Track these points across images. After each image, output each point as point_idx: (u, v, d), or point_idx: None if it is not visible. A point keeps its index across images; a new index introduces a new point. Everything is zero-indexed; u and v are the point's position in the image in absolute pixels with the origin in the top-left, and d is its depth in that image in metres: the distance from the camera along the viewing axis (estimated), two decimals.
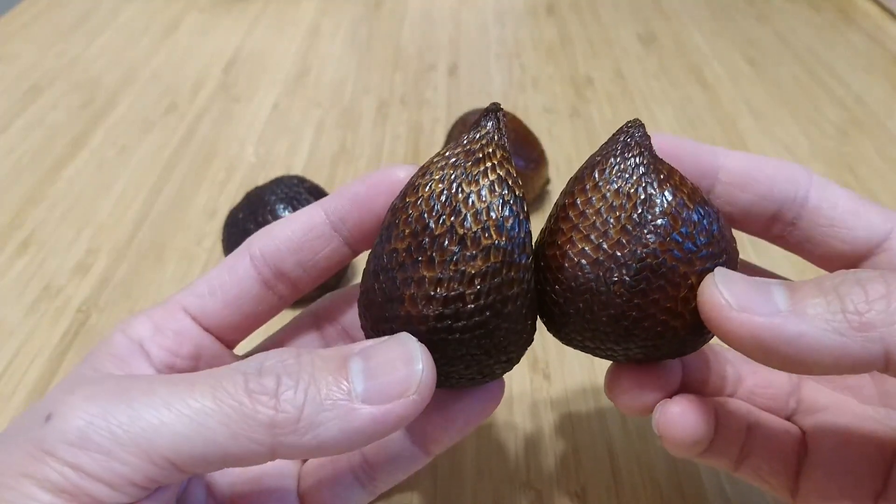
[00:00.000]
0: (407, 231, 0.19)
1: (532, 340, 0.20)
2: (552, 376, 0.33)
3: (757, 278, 0.19)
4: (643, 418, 0.31)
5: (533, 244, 0.20)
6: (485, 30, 0.65)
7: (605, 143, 0.21)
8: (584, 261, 0.19)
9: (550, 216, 0.21)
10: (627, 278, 0.19)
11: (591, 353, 0.22)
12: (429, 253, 0.18)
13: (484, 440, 0.30)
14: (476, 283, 0.18)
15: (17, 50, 0.62)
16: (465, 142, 0.19)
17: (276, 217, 0.34)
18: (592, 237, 0.19)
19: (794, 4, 0.67)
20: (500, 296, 0.18)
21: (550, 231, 0.21)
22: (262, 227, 0.34)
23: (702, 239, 0.19)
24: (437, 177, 0.19)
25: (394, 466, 0.23)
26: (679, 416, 0.21)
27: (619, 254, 0.19)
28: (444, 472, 0.29)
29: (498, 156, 0.19)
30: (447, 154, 0.19)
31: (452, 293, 0.18)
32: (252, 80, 0.58)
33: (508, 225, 0.18)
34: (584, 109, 0.52)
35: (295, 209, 0.34)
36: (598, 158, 0.20)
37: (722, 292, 0.18)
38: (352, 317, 0.24)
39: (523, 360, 0.33)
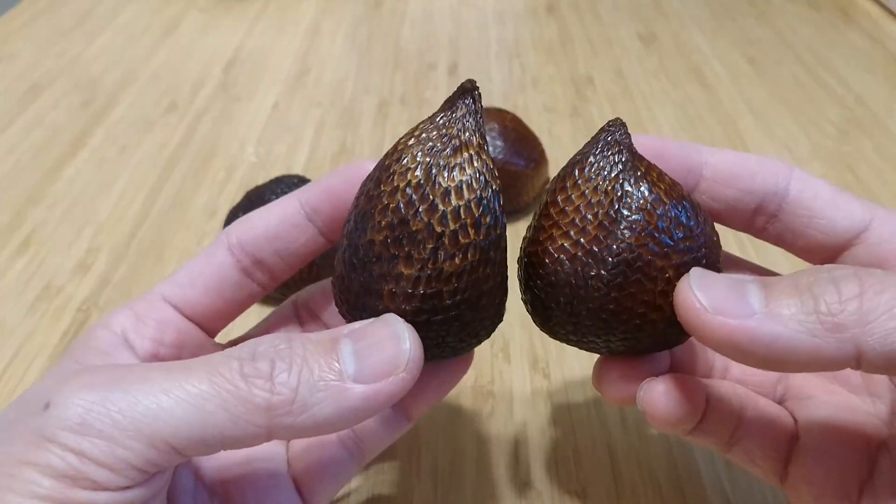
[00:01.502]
0: (383, 223, 0.19)
1: (501, 321, 0.21)
2: (552, 376, 0.33)
3: (733, 276, 0.19)
4: (643, 420, 0.31)
5: (508, 238, 0.20)
6: (485, 29, 0.65)
7: (588, 142, 0.21)
8: (563, 256, 0.20)
9: (535, 214, 0.22)
10: (604, 273, 0.19)
11: (576, 345, 0.22)
12: (406, 249, 0.18)
13: (484, 440, 0.30)
14: (454, 280, 0.18)
15: (18, 49, 0.62)
16: (440, 122, 0.19)
17: None
18: (571, 233, 0.20)
19: (794, 4, 0.67)
20: (477, 290, 0.19)
21: (535, 228, 0.21)
22: None
23: (678, 233, 0.19)
24: (412, 164, 0.19)
25: (379, 434, 0.23)
26: (662, 395, 0.21)
27: (596, 249, 0.19)
28: (444, 472, 0.29)
29: (475, 144, 0.19)
30: (422, 136, 0.19)
31: (431, 290, 0.18)
32: (252, 79, 0.58)
33: (486, 222, 0.18)
34: (585, 109, 0.52)
35: None
36: (579, 157, 0.21)
37: (696, 295, 0.18)
38: (331, 309, 0.25)
39: (523, 359, 0.33)
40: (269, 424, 0.17)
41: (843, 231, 0.21)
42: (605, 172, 0.20)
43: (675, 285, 0.19)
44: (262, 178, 0.46)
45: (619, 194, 0.20)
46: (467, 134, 0.19)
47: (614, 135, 0.20)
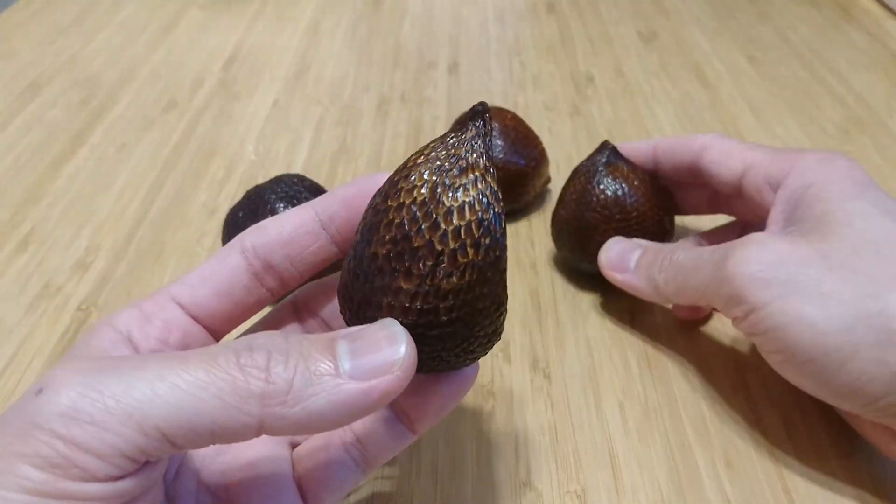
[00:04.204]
0: (387, 237, 0.19)
1: (499, 339, 0.21)
2: (552, 376, 0.33)
3: (632, 242, 0.33)
4: (643, 421, 0.31)
5: (509, 237, 0.21)
6: (485, 27, 0.65)
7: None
8: (562, 211, 0.36)
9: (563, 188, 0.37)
10: (574, 222, 0.35)
11: (568, 260, 0.38)
12: (406, 264, 0.19)
13: (484, 440, 0.30)
14: (450, 298, 0.19)
15: (16, 47, 0.62)
16: (450, 143, 0.20)
17: (276, 215, 0.34)
18: (567, 201, 0.36)
19: (794, 2, 0.67)
20: (472, 309, 0.20)
21: (559, 197, 0.37)
22: None
23: (615, 209, 0.34)
24: (418, 182, 0.19)
25: (384, 442, 0.23)
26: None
27: (574, 210, 0.35)
28: (444, 472, 0.29)
29: (481, 166, 0.19)
30: (431, 155, 0.20)
31: (427, 306, 0.19)
32: (252, 77, 0.57)
33: (485, 243, 0.19)
34: (585, 107, 0.52)
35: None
36: (583, 160, 0.37)
37: (602, 257, 0.34)
38: (330, 307, 0.25)
39: (524, 359, 0.33)
40: (262, 414, 0.17)
41: (728, 179, 0.32)
42: (591, 170, 0.35)
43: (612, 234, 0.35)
44: (261, 177, 0.46)
45: (591, 183, 0.35)
46: (475, 156, 0.19)
47: (604, 150, 0.36)
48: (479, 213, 0.19)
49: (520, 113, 0.50)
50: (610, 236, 0.34)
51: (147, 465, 0.17)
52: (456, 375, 0.22)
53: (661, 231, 0.35)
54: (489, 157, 0.20)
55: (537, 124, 0.50)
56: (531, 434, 0.30)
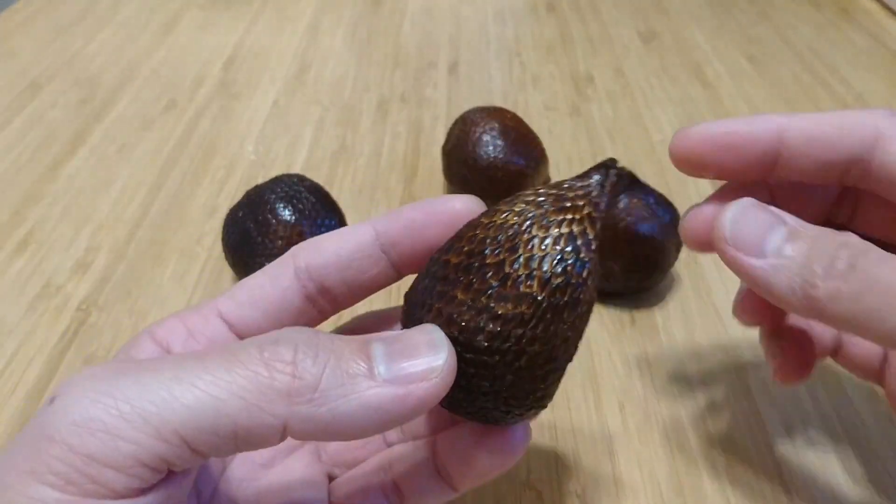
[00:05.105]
0: (465, 248, 0.19)
1: (544, 407, 0.20)
2: None
3: (773, 214, 0.20)
4: (642, 420, 0.31)
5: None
6: (485, 27, 0.65)
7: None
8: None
9: None
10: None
11: None
12: (471, 277, 0.18)
13: None
14: (497, 324, 0.18)
15: (16, 47, 0.62)
16: (565, 185, 0.19)
17: (275, 215, 0.34)
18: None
19: (794, 2, 0.67)
20: (517, 348, 0.18)
21: None
22: (262, 226, 0.34)
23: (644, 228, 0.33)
24: (517, 209, 0.19)
25: (423, 495, 0.22)
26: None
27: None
28: None
29: (584, 211, 0.19)
30: (541, 190, 0.19)
31: (472, 324, 0.18)
32: (252, 77, 0.57)
33: (555, 283, 0.18)
34: (585, 107, 0.52)
35: (295, 208, 0.34)
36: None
37: (723, 226, 0.20)
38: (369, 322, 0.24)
39: None
40: (287, 413, 0.16)
41: None
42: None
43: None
44: (261, 177, 0.46)
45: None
46: (581, 202, 0.19)
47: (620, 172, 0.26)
48: (560, 251, 0.18)
49: (520, 113, 0.50)
50: (626, 266, 0.30)
51: (171, 477, 0.16)
52: (503, 441, 0.21)
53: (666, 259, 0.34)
54: (598, 207, 0.19)
55: (537, 124, 0.50)
56: (531, 434, 0.30)
